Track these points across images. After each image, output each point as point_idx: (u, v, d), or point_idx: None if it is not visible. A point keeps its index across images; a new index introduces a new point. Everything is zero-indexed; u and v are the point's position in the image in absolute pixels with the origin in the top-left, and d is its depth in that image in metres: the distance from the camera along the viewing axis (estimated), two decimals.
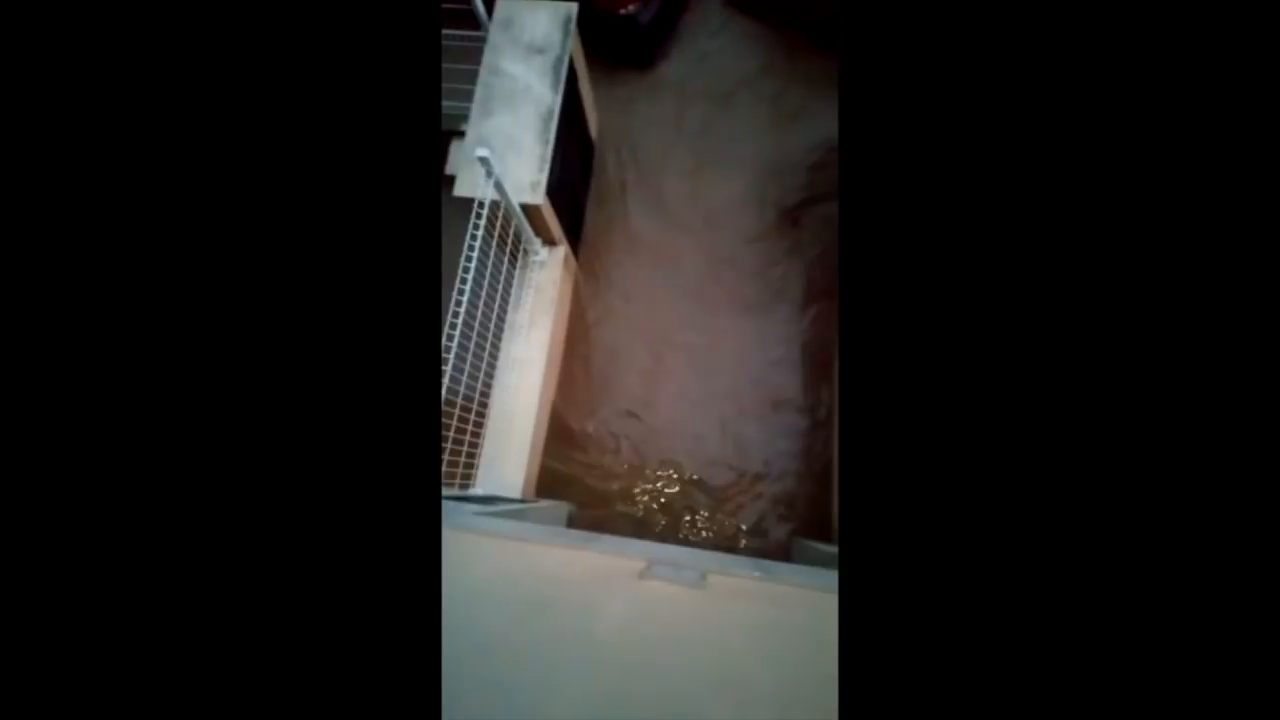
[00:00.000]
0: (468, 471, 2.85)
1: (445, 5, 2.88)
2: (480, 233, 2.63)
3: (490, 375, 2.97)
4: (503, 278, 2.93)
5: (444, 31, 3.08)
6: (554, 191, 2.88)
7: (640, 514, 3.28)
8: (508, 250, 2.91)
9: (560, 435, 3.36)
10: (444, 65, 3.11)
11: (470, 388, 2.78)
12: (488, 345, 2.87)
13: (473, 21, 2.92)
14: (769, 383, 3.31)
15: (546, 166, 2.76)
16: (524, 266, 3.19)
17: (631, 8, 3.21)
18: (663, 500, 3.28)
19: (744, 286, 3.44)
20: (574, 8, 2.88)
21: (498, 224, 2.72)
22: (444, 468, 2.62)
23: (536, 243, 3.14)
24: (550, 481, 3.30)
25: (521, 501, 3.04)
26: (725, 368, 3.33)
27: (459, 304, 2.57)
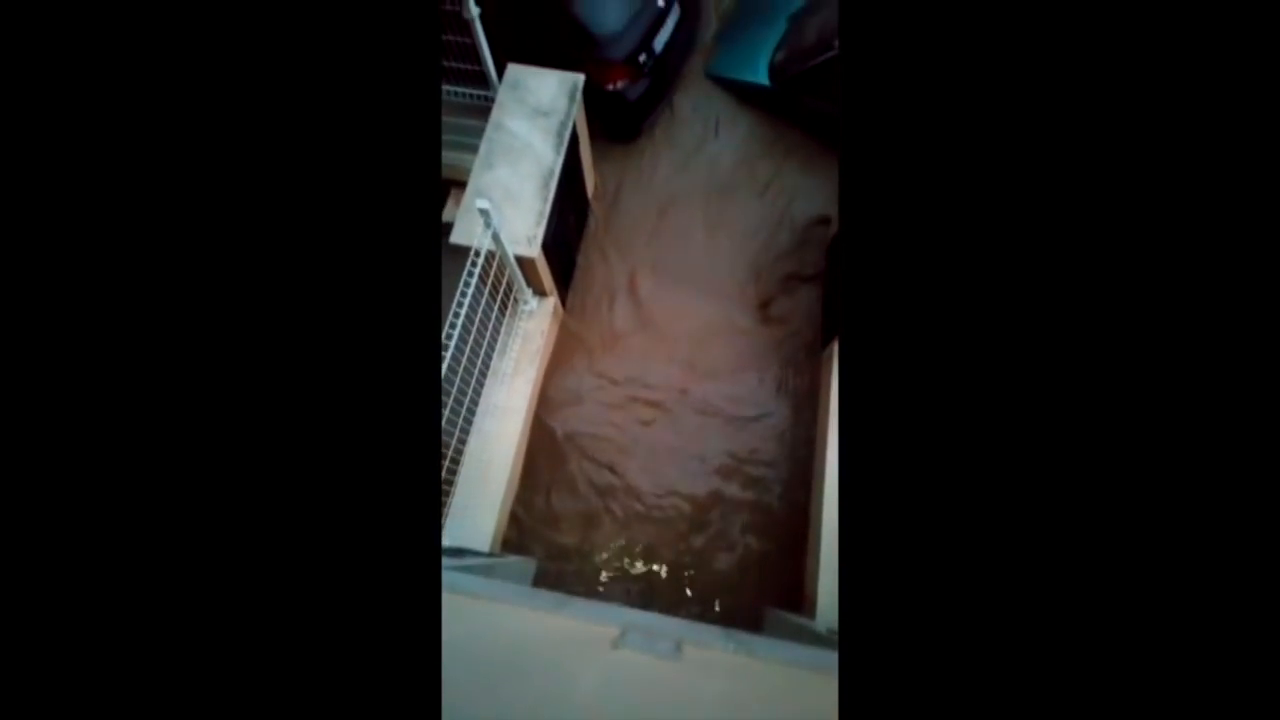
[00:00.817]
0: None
1: (457, 66, 3.03)
2: (474, 280, 2.66)
3: (469, 421, 2.93)
4: (491, 324, 2.94)
5: (453, 89, 3.23)
6: (548, 245, 2.96)
7: (610, 571, 3.19)
8: (499, 298, 2.95)
9: (531, 485, 3.29)
10: (451, 119, 3.25)
11: (448, 433, 2.74)
12: (469, 391, 2.85)
13: (483, 82, 3.06)
14: (746, 445, 3.33)
15: (544, 222, 2.85)
16: (513, 315, 3.22)
17: (620, 84, 3.40)
18: (633, 556, 3.21)
19: (725, 351, 3.52)
20: (581, 78, 3.06)
21: (491, 273, 2.77)
22: None
23: (528, 292, 3.19)
24: (517, 533, 3.20)
25: (490, 555, 2.94)
26: (704, 429, 3.36)
27: (445, 348, 2.57)
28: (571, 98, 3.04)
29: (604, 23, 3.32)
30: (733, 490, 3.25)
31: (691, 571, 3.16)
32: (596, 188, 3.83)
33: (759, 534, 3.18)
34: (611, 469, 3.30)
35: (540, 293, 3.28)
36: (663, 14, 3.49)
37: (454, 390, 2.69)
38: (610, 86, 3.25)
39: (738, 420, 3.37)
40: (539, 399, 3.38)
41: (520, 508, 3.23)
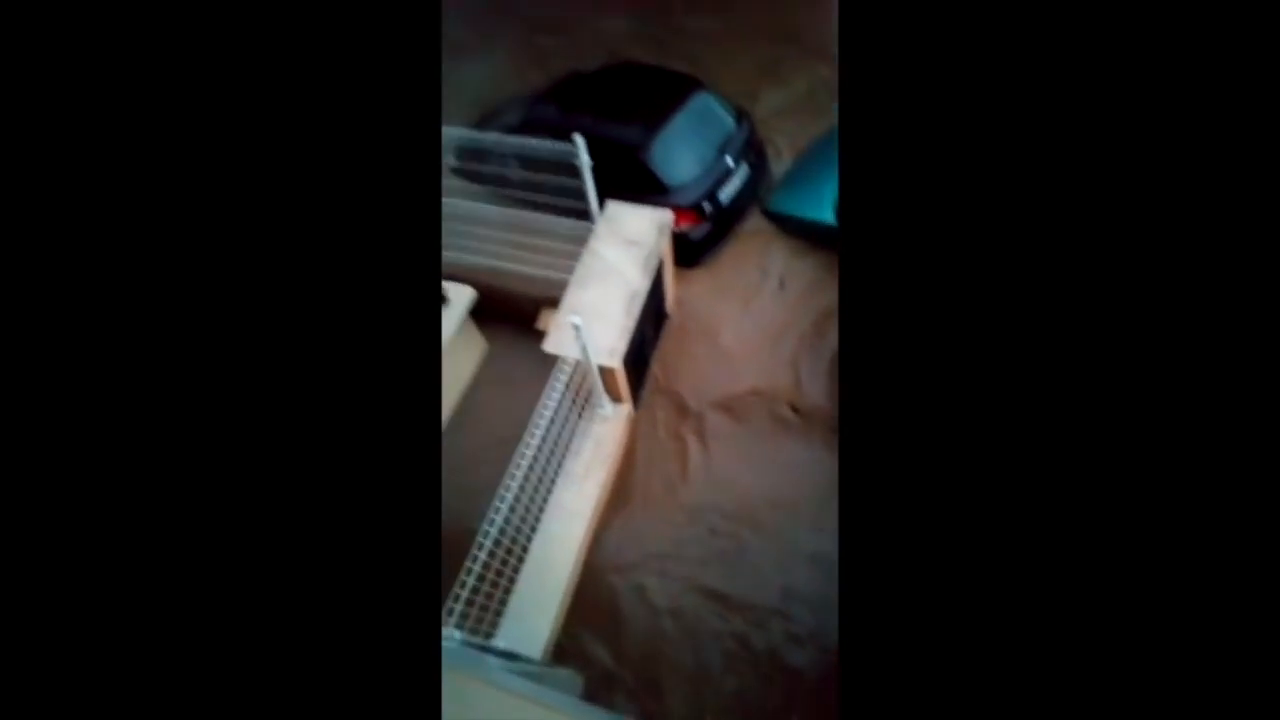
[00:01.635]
0: (495, 619, 2.76)
1: (567, 203, 3.52)
2: (561, 387, 2.90)
3: (537, 520, 3.02)
4: (568, 427, 3.13)
5: (560, 219, 3.71)
6: (628, 357, 3.19)
7: (660, 695, 2.99)
8: (578, 403, 3.16)
9: (586, 594, 3.25)
10: (555, 244, 3.71)
11: (517, 530, 2.83)
12: (541, 491, 2.97)
13: (586, 215, 3.53)
14: (799, 582, 3.17)
15: (626, 337, 3.11)
16: (589, 418, 3.41)
17: (684, 226, 3.81)
18: (680, 685, 3.01)
19: (785, 478, 3.49)
20: (670, 215, 3.47)
21: (575, 380, 3.01)
22: (473, 610, 2.57)
23: (605, 399, 3.39)
24: (569, 641, 3.12)
25: (539, 664, 2.87)
26: (759, 563, 3.24)
27: (527, 448, 2.75)
28: (660, 231, 3.43)
29: (674, 174, 3.83)
30: (798, 624, 3.06)
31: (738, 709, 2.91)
32: (674, 301, 4.13)
33: (807, 665, 2.93)
34: (677, 584, 3.22)
35: (615, 399, 3.47)
36: (730, 172, 3.94)
37: (529, 488, 2.82)
38: (674, 228, 3.65)
39: (796, 557, 3.25)
40: (603, 505, 3.44)
41: (574, 617, 3.18)
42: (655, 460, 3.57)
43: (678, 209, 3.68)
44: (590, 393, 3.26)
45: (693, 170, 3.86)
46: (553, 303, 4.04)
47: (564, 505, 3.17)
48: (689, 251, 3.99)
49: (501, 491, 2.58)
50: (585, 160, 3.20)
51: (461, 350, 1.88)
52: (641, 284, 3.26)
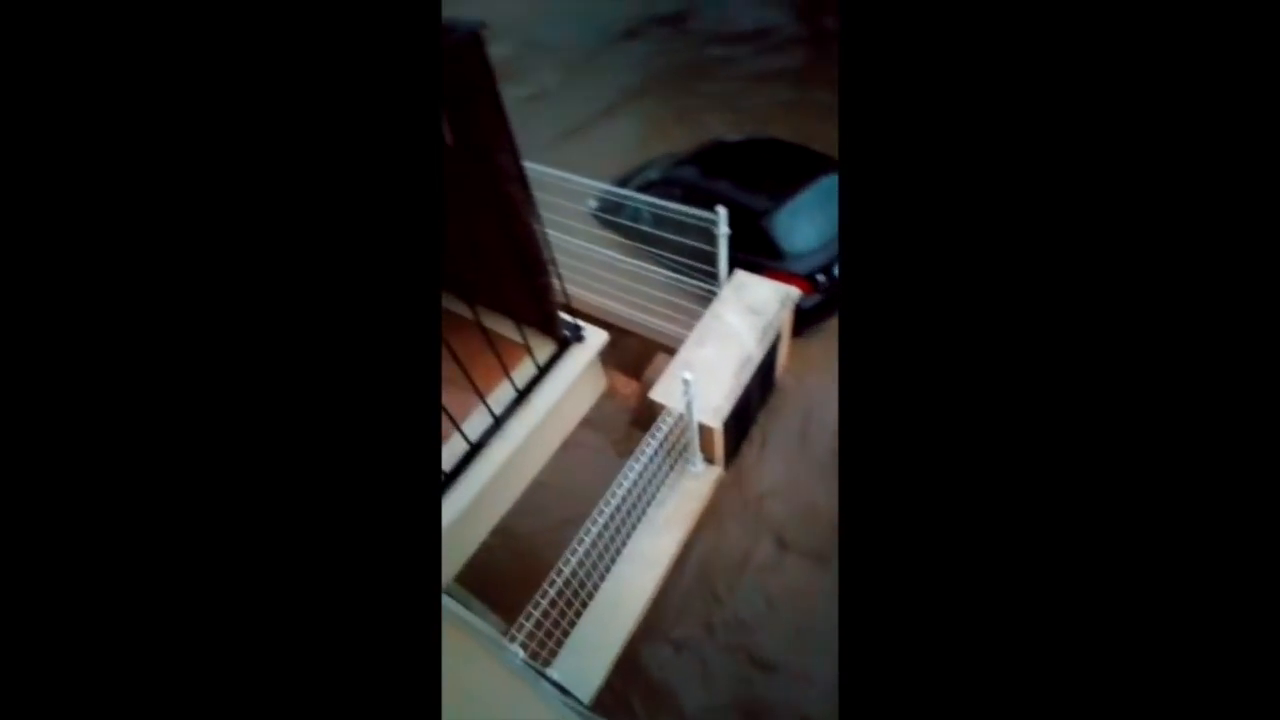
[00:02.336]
0: (555, 650, 2.81)
1: (698, 265, 3.71)
2: (660, 437, 2.99)
3: (611, 562, 3.07)
4: (659, 476, 3.19)
5: (687, 280, 3.91)
6: (729, 420, 3.22)
7: None
8: (673, 455, 3.21)
9: (638, 649, 3.19)
10: (680, 302, 3.91)
11: (593, 567, 2.89)
12: (623, 533, 3.03)
13: (714, 279, 3.69)
14: None
15: (733, 400, 3.15)
16: (680, 472, 3.44)
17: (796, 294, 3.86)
18: None
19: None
20: (796, 292, 3.52)
21: (674, 432, 3.08)
22: (538, 635, 2.64)
23: (699, 456, 3.42)
24: (621, 686, 3.05)
25: (586, 708, 2.84)
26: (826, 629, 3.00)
27: (616, 491, 2.84)
28: (783, 304, 3.48)
29: (792, 244, 3.99)
30: None
31: None
32: (784, 369, 4.12)
33: None
34: (744, 653, 3.08)
35: (709, 459, 3.48)
36: None
37: (612, 527, 2.89)
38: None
39: None
40: (681, 560, 3.40)
41: (623, 669, 3.12)
42: (727, 534, 3.50)
43: (792, 277, 3.82)
44: (686, 447, 3.31)
45: (811, 243, 3.99)
46: (668, 351, 4.22)
47: (641, 552, 3.19)
48: (798, 319, 4.07)
49: (588, 525, 2.67)
50: (724, 230, 3.39)
51: (586, 387, 2.03)
52: (756, 351, 3.31)
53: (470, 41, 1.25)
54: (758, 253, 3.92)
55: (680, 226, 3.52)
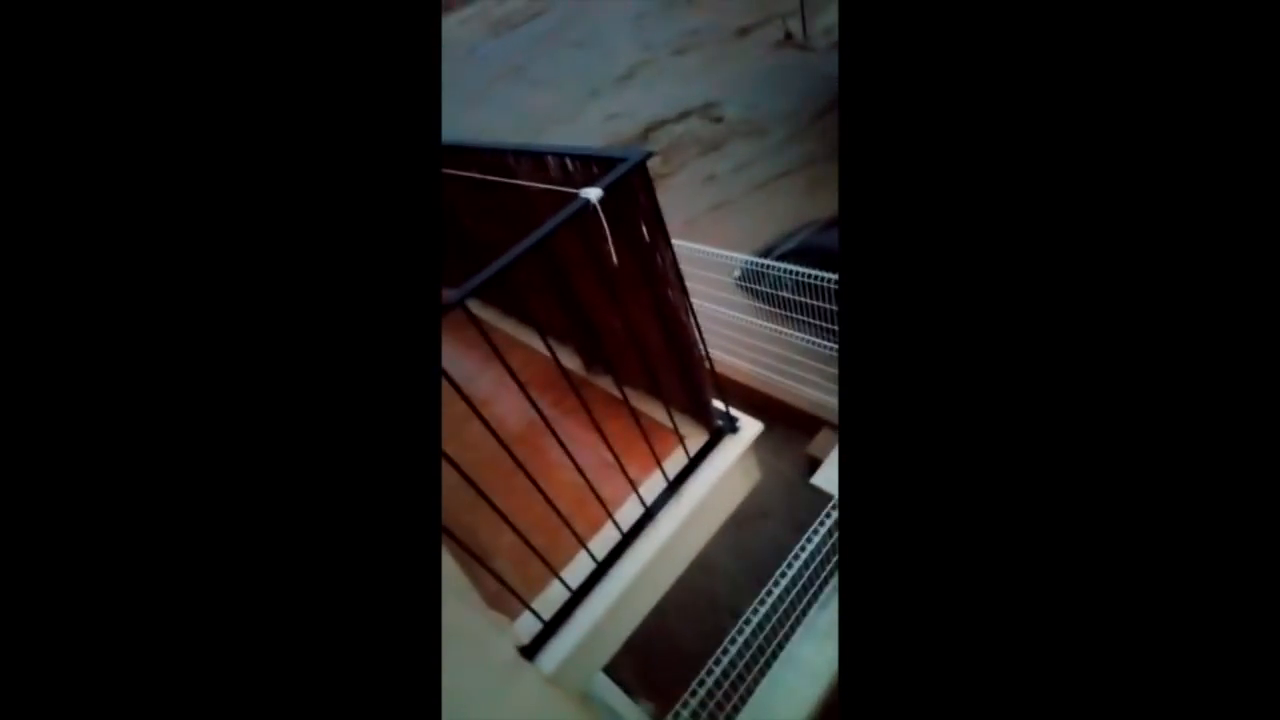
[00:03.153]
0: None
1: (827, 325, 3.43)
2: (823, 529, 2.72)
3: (769, 665, 2.81)
4: (823, 575, 2.88)
5: (820, 342, 3.64)
6: None
7: None
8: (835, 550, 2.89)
9: None
10: (820, 366, 3.64)
11: (745, 669, 2.67)
12: (777, 637, 2.76)
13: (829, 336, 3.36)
14: None
15: None
16: None
17: None
18: None
19: None
20: None
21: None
22: None
23: None
24: None
25: None
26: None
27: (773, 589, 2.62)
28: None
29: None
30: None
31: None
32: None
33: None
34: None
35: None
36: None
37: (768, 627, 2.67)
38: None
39: None
40: None
41: None
42: None
43: None
44: None
45: None
46: (832, 426, 3.92)
47: (800, 658, 2.87)
48: None
49: (741, 624, 2.50)
50: None
51: (738, 479, 1.96)
52: None
53: (638, 170, 1.37)
54: None
55: (820, 293, 3.44)
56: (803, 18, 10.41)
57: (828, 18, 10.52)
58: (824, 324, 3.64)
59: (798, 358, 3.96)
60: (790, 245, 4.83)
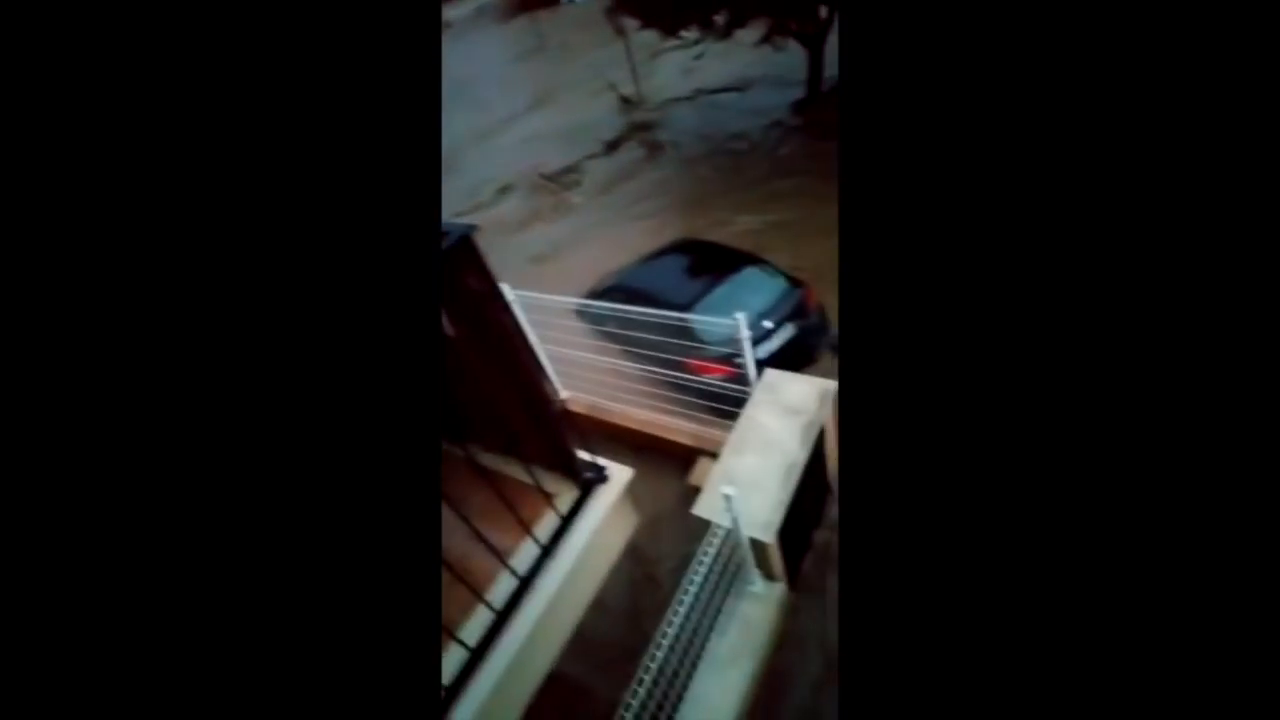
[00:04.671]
0: None
1: (727, 366, 3.69)
2: (710, 557, 2.81)
3: (673, 710, 2.78)
4: (714, 603, 2.95)
5: (718, 382, 3.89)
6: (784, 531, 3.00)
7: None
8: (727, 576, 3.00)
9: None
10: (710, 404, 3.86)
11: (655, 712, 2.62)
12: (682, 675, 2.77)
13: (744, 381, 3.64)
14: None
15: (783, 510, 2.96)
16: (737, 595, 3.19)
17: (718, 376, 4.13)
18: None
19: None
20: (834, 384, 3.41)
21: (725, 550, 2.89)
22: None
23: (756, 574, 3.17)
24: None
25: None
26: None
27: (672, 621, 2.64)
28: (822, 400, 3.36)
29: (711, 333, 4.14)
30: None
31: None
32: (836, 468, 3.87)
33: None
34: None
35: (769, 576, 3.22)
36: (768, 333, 4.29)
37: (669, 670, 2.65)
38: (709, 376, 4.02)
39: None
40: (752, 704, 3.05)
41: None
42: (799, 669, 3.14)
43: (713, 362, 4.11)
44: (740, 566, 3.09)
45: (730, 331, 4.13)
46: (711, 455, 4.11)
47: (704, 696, 2.88)
48: (726, 400, 4.23)
49: (640, 674, 2.47)
50: (745, 334, 3.39)
51: (616, 527, 1.97)
52: (800, 455, 3.15)
53: (463, 244, 1.38)
54: (686, 341, 4.22)
55: (651, 327, 3.82)
56: (635, 81, 11.38)
57: (655, 80, 11.65)
58: (642, 350, 4.06)
59: (661, 391, 4.19)
60: (607, 284, 5.35)
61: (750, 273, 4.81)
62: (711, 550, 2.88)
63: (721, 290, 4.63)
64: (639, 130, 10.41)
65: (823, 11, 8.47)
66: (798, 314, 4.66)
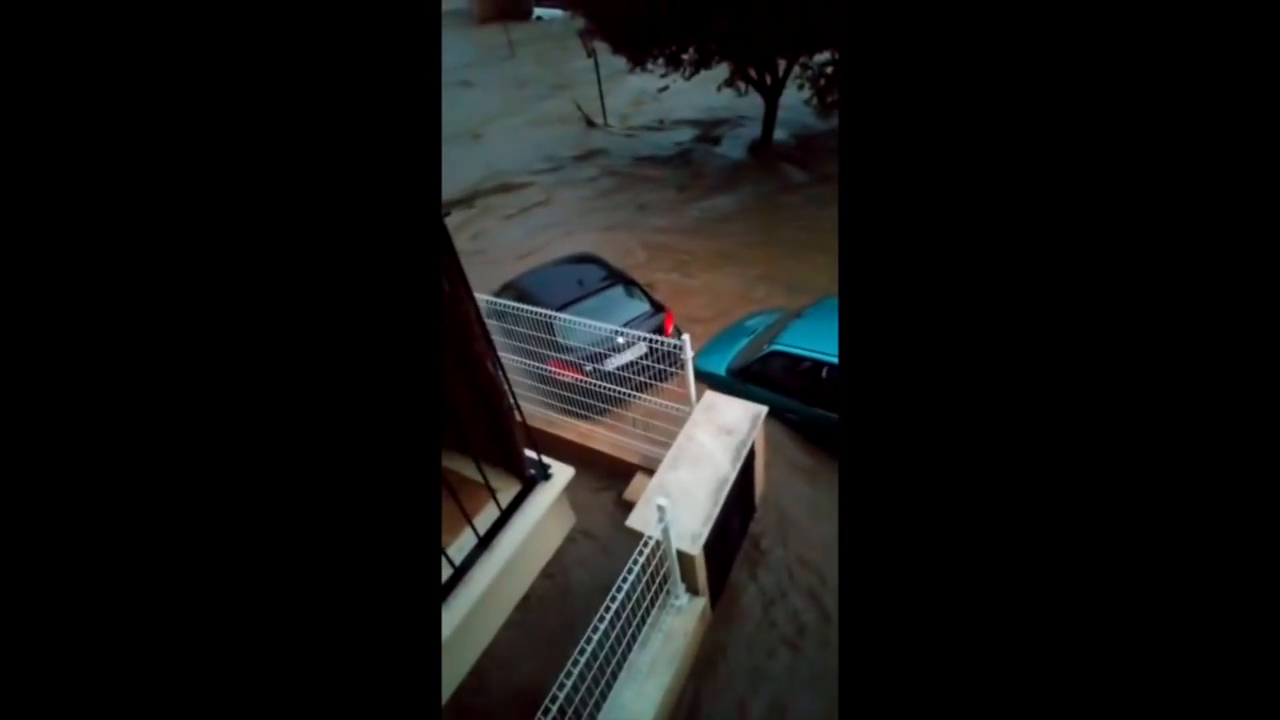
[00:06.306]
0: None
1: (670, 387, 3.82)
2: (638, 567, 2.87)
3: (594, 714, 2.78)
4: (639, 615, 3.01)
5: (659, 401, 4.00)
6: (710, 546, 3.12)
7: None
8: (652, 589, 3.06)
9: None
10: (657, 424, 3.97)
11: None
12: (603, 684, 2.78)
13: (686, 400, 3.78)
14: None
15: (710, 523, 3.08)
16: (661, 607, 3.26)
17: (569, 377, 4.52)
18: None
19: None
20: (765, 410, 3.61)
21: (653, 562, 2.96)
22: None
23: (681, 587, 3.26)
24: None
25: None
26: None
27: (596, 629, 2.66)
28: (753, 423, 3.55)
29: (572, 339, 4.50)
30: None
31: None
32: (763, 489, 4.06)
33: None
34: None
35: (692, 590, 3.32)
36: (619, 348, 4.56)
37: (589, 678, 2.66)
38: (562, 376, 4.45)
39: None
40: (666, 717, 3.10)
41: None
42: (718, 681, 3.24)
43: (569, 364, 4.46)
44: (666, 578, 3.16)
45: (588, 340, 4.57)
46: (647, 471, 4.19)
47: (623, 706, 2.91)
48: (575, 404, 4.71)
49: (561, 678, 2.47)
50: (689, 354, 3.54)
51: (551, 525, 2.00)
52: (730, 472, 3.31)
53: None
54: (550, 347, 4.53)
55: (527, 324, 4.16)
56: (602, 105, 11.64)
57: (621, 99, 12.05)
58: (531, 347, 4.38)
59: (621, 411, 4.27)
60: (506, 281, 5.66)
61: (618, 291, 5.26)
62: (639, 563, 2.94)
63: (590, 301, 5.02)
64: (596, 154, 10.68)
65: (781, 66, 9.10)
66: (656, 334, 5.01)
